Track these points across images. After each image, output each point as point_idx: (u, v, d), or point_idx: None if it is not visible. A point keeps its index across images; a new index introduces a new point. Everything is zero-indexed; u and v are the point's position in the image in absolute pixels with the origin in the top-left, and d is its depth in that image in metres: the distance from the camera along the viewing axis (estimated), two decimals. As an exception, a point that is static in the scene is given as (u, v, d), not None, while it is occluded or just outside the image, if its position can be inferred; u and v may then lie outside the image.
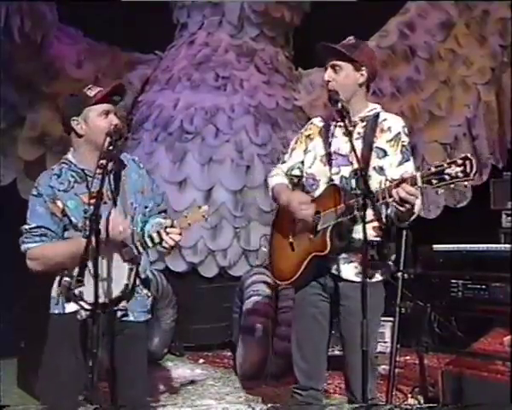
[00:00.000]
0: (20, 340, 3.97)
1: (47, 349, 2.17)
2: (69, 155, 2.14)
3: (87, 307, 2.00)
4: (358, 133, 2.25)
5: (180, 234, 2.07)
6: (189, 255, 4.61)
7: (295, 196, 2.30)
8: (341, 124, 2.22)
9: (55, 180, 2.10)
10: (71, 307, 2.07)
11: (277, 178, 2.44)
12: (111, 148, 2.02)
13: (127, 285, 2.05)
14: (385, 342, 5.00)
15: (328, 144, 2.30)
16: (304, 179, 2.38)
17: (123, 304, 2.09)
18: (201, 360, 4.50)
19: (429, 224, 4.86)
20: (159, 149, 4.60)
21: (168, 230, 2.04)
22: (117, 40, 4.96)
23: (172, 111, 4.64)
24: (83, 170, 2.09)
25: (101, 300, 1.92)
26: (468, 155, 1.87)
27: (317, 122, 2.41)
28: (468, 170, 1.86)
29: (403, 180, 1.97)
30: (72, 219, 2.08)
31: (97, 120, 2.09)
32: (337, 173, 2.26)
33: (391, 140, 2.23)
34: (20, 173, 4.65)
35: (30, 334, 3.92)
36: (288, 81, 4.90)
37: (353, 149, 2.10)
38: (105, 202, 2.07)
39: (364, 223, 2.00)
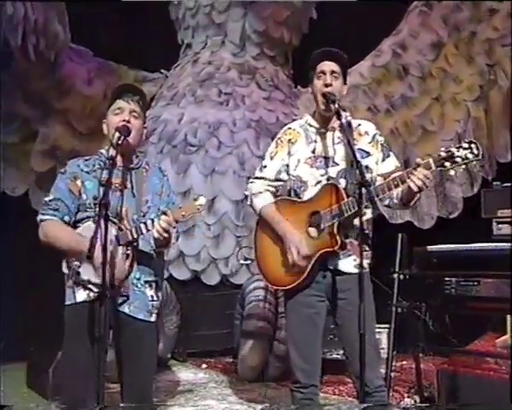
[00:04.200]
0: (28, 345, 4.13)
1: (64, 340, 2.27)
2: (103, 149, 2.33)
3: (95, 289, 2.15)
4: (338, 137, 2.40)
5: (171, 224, 2.13)
6: (192, 263, 4.79)
7: (295, 238, 2.35)
8: (321, 130, 2.41)
9: (83, 163, 2.30)
10: (81, 296, 2.21)
11: (263, 197, 2.49)
12: (119, 142, 2.16)
13: (123, 270, 2.16)
14: (381, 349, 5.14)
15: (310, 148, 2.42)
16: (291, 182, 2.46)
17: (124, 290, 2.21)
18: (204, 365, 4.64)
19: (424, 233, 5.07)
20: (164, 161, 4.77)
21: (161, 217, 2.13)
22: (125, 60, 5.22)
23: (177, 125, 4.86)
24: (108, 160, 2.24)
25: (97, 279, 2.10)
26: (472, 139, 2.10)
27: (296, 127, 2.51)
28: (475, 151, 2.07)
29: (417, 165, 2.12)
30: (84, 196, 2.23)
31: (111, 117, 2.27)
32: (324, 175, 2.38)
33: (371, 142, 2.41)
34: (32, 185, 4.86)
35: (38, 339, 4.09)
36: (287, 98, 5.13)
37: (349, 143, 2.25)
38: (121, 190, 2.25)
39: (361, 216, 2.19)
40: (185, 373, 4.42)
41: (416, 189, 2.13)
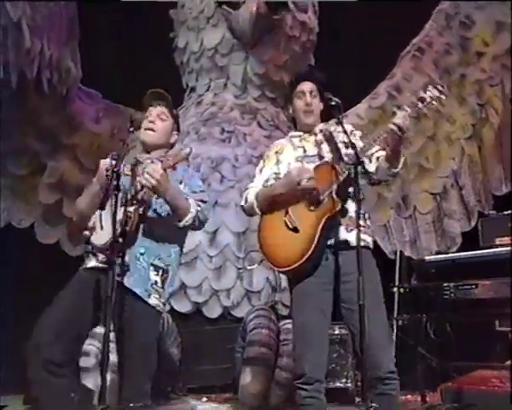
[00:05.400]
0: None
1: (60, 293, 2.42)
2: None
3: (101, 256, 2.30)
4: (320, 139, 2.67)
5: (158, 170, 2.32)
6: (193, 295, 4.78)
7: (294, 168, 2.53)
8: (305, 136, 2.69)
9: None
10: (91, 263, 2.37)
11: (255, 189, 2.69)
12: (132, 129, 2.43)
13: (121, 231, 2.29)
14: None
15: (298, 151, 2.67)
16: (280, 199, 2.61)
17: (126, 259, 2.33)
18: (204, 399, 4.54)
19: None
20: (168, 195, 4.89)
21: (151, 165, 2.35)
22: (132, 103, 5.47)
23: (181, 161, 5.01)
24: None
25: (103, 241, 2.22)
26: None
27: (281, 141, 2.82)
28: (440, 88, 2.40)
29: (394, 113, 2.40)
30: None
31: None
32: None
33: (349, 135, 2.60)
34: (38, 218, 4.99)
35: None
36: (287, 137, 5.32)
37: (342, 124, 2.46)
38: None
39: (358, 190, 2.35)
40: (184, 405, 4.33)
41: (396, 128, 2.38)
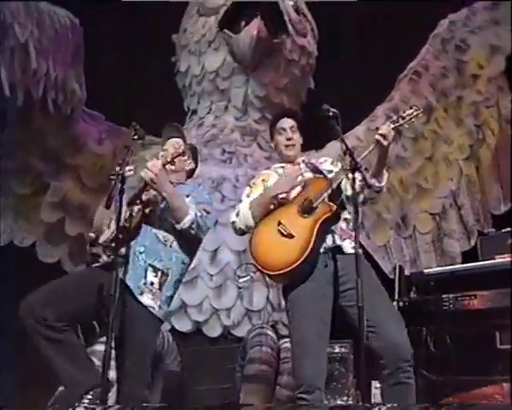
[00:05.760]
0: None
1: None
2: None
3: (105, 256, 2.33)
4: (304, 168, 2.80)
5: (157, 165, 2.48)
6: (194, 314, 4.78)
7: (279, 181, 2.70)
8: (288, 166, 2.83)
9: None
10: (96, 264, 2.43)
11: (246, 202, 2.78)
12: (135, 137, 2.61)
13: (121, 228, 2.37)
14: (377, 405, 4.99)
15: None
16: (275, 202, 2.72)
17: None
18: (204, 416, 4.50)
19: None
20: (170, 214, 4.95)
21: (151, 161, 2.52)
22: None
23: (182, 181, 5.08)
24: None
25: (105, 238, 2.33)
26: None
27: (266, 171, 2.94)
28: (416, 108, 2.66)
29: (377, 128, 2.62)
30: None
31: None
32: None
33: (331, 164, 2.84)
34: (40, 237, 5.04)
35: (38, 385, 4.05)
36: (287, 158, 5.39)
37: (341, 137, 2.50)
38: None
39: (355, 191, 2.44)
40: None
41: (381, 138, 2.63)
